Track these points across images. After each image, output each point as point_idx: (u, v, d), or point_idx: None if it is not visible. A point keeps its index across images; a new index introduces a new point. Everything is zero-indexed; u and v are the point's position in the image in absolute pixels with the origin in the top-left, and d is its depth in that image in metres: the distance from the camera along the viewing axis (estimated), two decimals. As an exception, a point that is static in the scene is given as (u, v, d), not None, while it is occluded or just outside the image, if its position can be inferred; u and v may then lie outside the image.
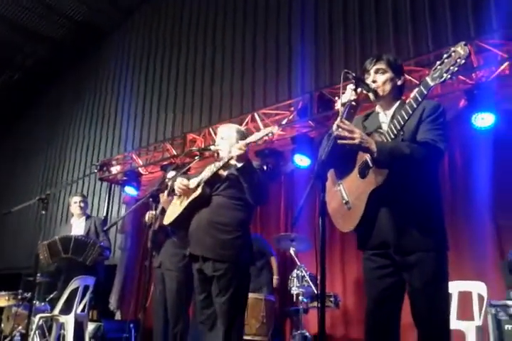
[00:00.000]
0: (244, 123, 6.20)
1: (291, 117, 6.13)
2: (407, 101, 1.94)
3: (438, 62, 1.80)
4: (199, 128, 7.64)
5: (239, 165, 2.70)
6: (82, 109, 11.49)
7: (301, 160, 5.63)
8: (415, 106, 1.86)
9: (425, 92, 1.83)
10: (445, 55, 1.78)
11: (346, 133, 1.89)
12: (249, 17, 8.21)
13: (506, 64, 4.62)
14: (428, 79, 1.82)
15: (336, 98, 5.79)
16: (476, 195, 4.47)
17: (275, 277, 4.98)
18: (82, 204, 5.10)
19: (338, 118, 1.96)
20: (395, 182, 1.94)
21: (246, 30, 8.17)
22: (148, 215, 3.78)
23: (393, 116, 2.05)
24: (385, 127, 2.06)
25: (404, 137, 2.00)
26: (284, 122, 6.13)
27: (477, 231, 4.39)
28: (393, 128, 1.95)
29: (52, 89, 12.63)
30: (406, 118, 1.90)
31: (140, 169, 7.72)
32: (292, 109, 6.20)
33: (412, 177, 1.99)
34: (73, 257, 4.61)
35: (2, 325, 5.39)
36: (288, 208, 6.03)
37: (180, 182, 2.93)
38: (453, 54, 1.75)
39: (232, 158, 2.75)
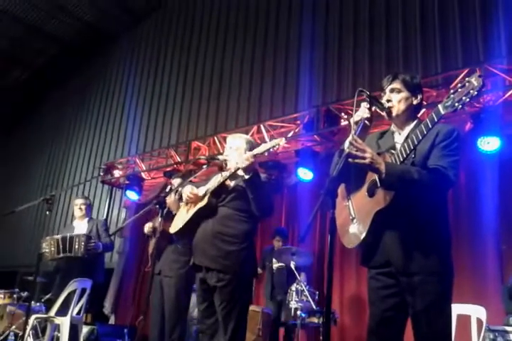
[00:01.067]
0: (249, 134, 6.23)
1: (297, 130, 6.17)
2: (420, 125, 1.96)
3: (451, 91, 1.81)
4: (204, 136, 7.67)
5: (246, 176, 2.71)
6: (87, 112, 11.52)
7: (305, 174, 5.66)
8: (425, 132, 1.88)
9: (436, 120, 1.85)
10: (459, 85, 1.79)
11: (358, 152, 1.90)
12: (260, 28, 8.28)
13: (514, 89, 4.67)
14: (440, 107, 1.84)
15: (343, 114, 5.82)
16: (481, 218, 4.49)
17: None
18: (83, 207, 5.10)
19: (351, 136, 1.95)
20: (402, 204, 1.94)
21: (256, 41, 8.24)
22: (148, 226, 3.82)
23: (407, 137, 2.06)
24: (398, 147, 2.07)
25: (416, 161, 2.00)
26: (289, 135, 6.16)
27: (479, 255, 4.41)
28: (403, 151, 1.97)
29: (57, 91, 12.67)
30: (416, 142, 1.91)
31: (143, 174, 7.74)
32: (298, 122, 6.23)
33: (420, 200, 1.98)
34: (67, 255, 4.63)
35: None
36: (289, 221, 6.04)
37: (189, 191, 2.93)
38: (467, 84, 1.76)
39: (239, 168, 2.75)
